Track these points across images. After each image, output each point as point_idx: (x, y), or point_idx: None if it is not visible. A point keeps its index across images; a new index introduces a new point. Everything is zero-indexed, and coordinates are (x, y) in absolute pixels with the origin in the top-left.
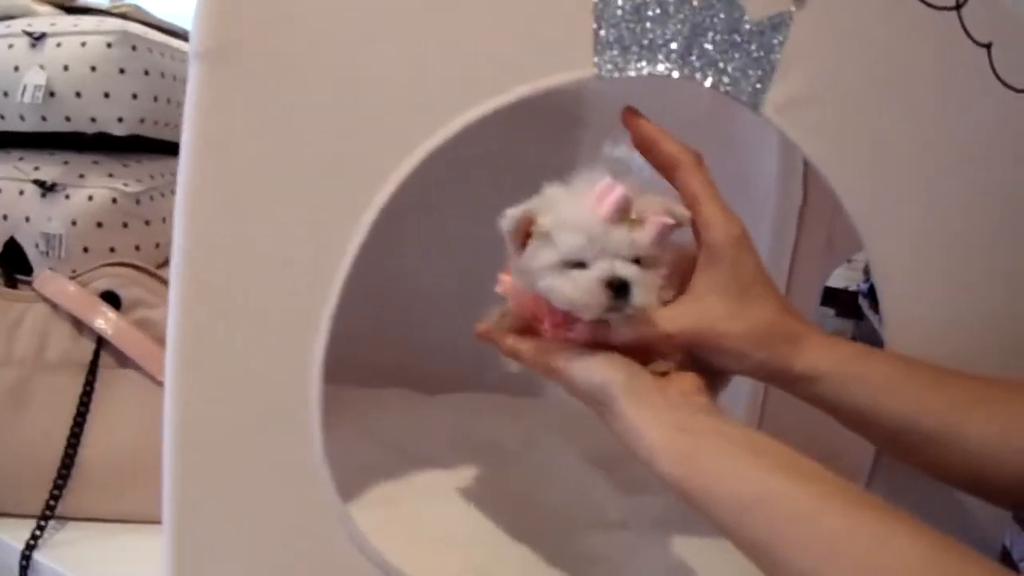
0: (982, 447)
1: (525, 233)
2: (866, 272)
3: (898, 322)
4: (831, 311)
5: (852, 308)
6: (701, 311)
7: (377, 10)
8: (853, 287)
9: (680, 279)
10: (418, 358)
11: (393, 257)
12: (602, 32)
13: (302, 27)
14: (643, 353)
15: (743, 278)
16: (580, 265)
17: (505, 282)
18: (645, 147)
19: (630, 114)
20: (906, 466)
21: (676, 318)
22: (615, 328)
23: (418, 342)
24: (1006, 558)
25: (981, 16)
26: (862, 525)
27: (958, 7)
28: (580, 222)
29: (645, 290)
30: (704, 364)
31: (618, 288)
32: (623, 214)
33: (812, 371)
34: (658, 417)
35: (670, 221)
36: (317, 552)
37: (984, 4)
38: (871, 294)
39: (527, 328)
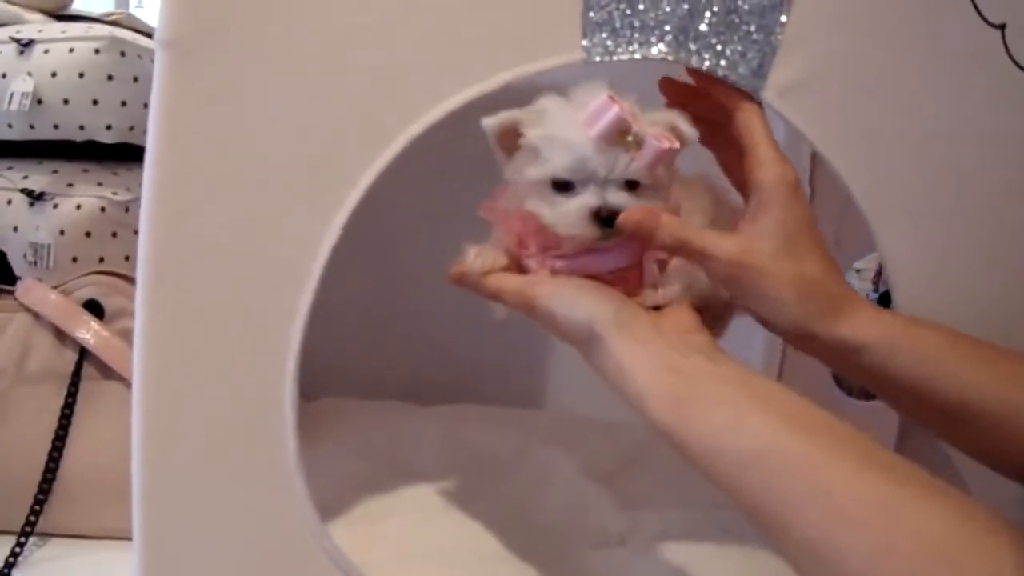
0: None
1: (512, 141)
2: (875, 282)
3: (909, 311)
4: None
5: None
6: (749, 245)
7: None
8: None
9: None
10: (413, 369)
11: (389, 268)
12: (591, 14)
13: (274, 14)
14: (632, 283)
15: (792, 226)
16: (567, 185)
17: (489, 207)
18: (700, 93)
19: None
20: (962, 452)
21: (723, 244)
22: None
23: (413, 353)
24: None
25: None
26: (871, 487)
27: None
28: (570, 140)
29: None
30: (711, 305)
31: (606, 220)
32: (618, 136)
33: (858, 339)
34: (650, 355)
35: (670, 145)
36: (292, 568)
37: None
38: (881, 303)
39: (510, 267)
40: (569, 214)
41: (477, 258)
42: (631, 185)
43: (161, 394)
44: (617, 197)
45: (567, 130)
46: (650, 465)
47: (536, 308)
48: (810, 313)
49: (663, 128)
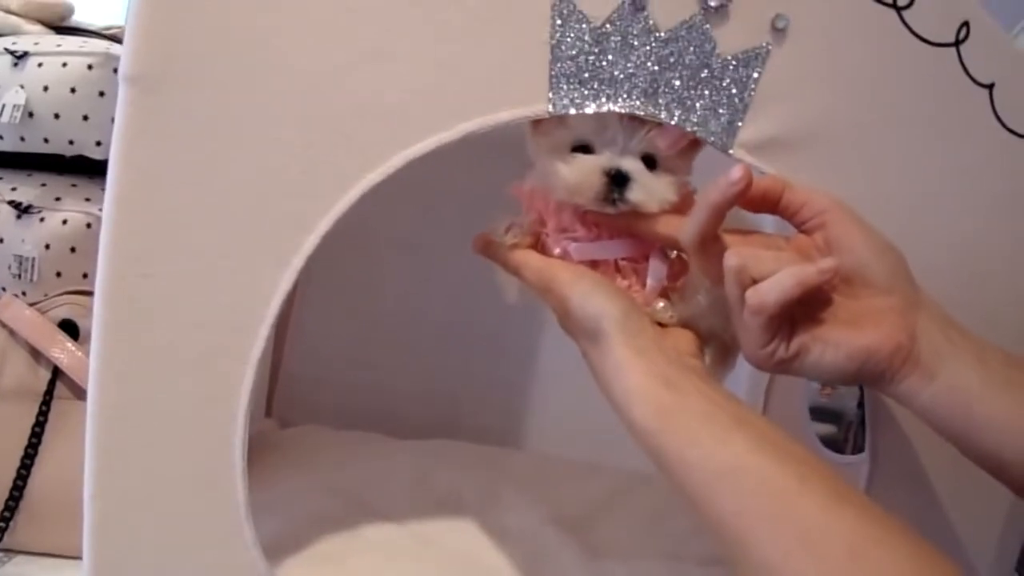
0: None
1: None
2: None
3: None
4: None
5: None
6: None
7: (315, 42)
8: None
9: None
10: (392, 401)
11: (370, 299)
12: (558, 65)
13: (237, 57)
14: (639, 276)
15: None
16: (586, 148)
17: (517, 187)
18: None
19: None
20: None
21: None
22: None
23: (392, 385)
24: None
25: (982, 54)
26: (841, 521)
27: (957, 44)
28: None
29: (644, 189)
30: (717, 336)
31: (616, 178)
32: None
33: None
34: (646, 362)
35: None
36: None
37: (986, 41)
38: None
39: (535, 246)
40: (583, 167)
41: (509, 230)
42: (649, 162)
43: (113, 429)
44: (631, 163)
45: None
46: (622, 511)
47: (552, 290)
48: (900, 297)
49: None
